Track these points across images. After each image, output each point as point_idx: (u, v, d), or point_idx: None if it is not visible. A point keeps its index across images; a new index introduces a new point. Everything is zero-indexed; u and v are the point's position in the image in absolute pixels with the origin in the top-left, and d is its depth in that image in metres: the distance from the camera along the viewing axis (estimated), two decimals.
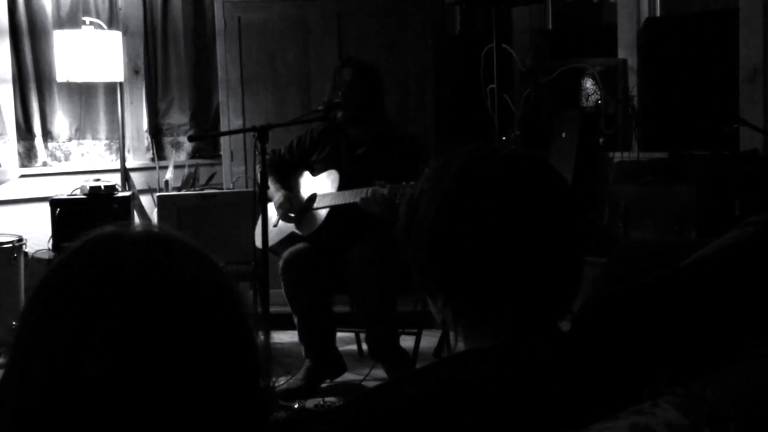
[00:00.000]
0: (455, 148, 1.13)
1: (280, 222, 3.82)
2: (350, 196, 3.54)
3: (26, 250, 4.28)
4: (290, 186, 3.86)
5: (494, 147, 1.11)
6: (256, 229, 3.47)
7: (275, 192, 3.77)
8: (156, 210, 4.57)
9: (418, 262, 1.10)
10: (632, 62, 4.60)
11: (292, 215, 3.75)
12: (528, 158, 1.11)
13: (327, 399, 3.53)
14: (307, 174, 3.84)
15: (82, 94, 4.99)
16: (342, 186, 3.64)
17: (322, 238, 3.66)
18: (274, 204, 3.77)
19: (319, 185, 3.76)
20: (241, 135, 4.57)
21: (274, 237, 3.71)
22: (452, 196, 1.07)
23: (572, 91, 4.69)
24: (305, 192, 3.81)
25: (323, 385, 3.70)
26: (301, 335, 3.68)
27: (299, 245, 3.65)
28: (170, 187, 4.92)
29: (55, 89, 4.88)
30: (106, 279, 0.80)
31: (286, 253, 3.62)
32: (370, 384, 3.62)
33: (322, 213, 3.68)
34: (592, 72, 4.62)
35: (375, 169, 3.59)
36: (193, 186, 4.98)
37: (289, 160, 3.87)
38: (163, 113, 5.25)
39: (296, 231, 3.75)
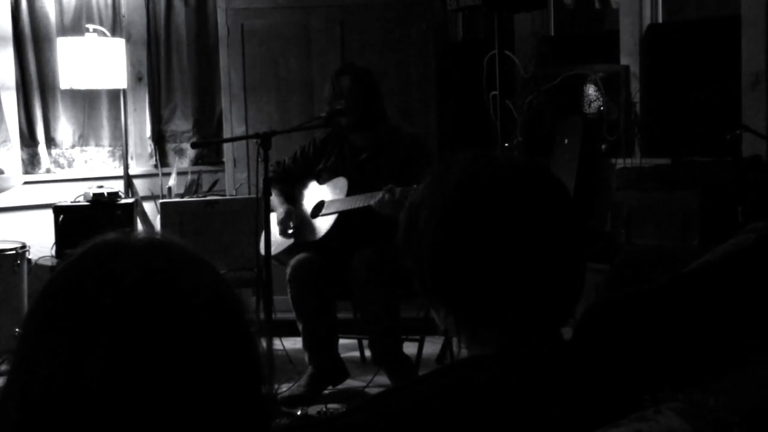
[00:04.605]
0: (455, 155, 1.13)
1: None
2: (361, 200, 3.53)
3: (29, 256, 4.28)
4: (296, 197, 3.85)
5: (493, 155, 1.10)
6: (261, 236, 3.47)
7: (278, 206, 3.77)
8: (159, 217, 4.58)
9: (419, 272, 1.10)
10: (634, 68, 4.61)
11: (290, 231, 3.74)
12: (527, 166, 1.10)
13: (330, 406, 3.53)
14: (314, 183, 3.84)
15: (86, 101, 4.99)
16: (351, 192, 3.63)
17: (328, 245, 3.66)
18: (276, 220, 3.77)
19: (327, 193, 3.76)
20: (243, 142, 4.57)
21: (279, 245, 3.70)
22: (453, 206, 1.07)
23: (574, 97, 4.69)
24: (314, 200, 3.81)
25: (326, 391, 3.70)
26: (305, 342, 3.67)
27: (306, 254, 3.64)
28: (173, 194, 4.92)
29: (59, 96, 4.88)
30: (109, 286, 0.80)
31: (293, 261, 3.61)
32: (373, 391, 3.62)
33: (329, 220, 3.67)
34: (595, 78, 4.62)
35: (381, 172, 3.60)
36: (196, 193, 4.98)
37: (294, 171, 3.88)
38: (166, 120, 5.26)
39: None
